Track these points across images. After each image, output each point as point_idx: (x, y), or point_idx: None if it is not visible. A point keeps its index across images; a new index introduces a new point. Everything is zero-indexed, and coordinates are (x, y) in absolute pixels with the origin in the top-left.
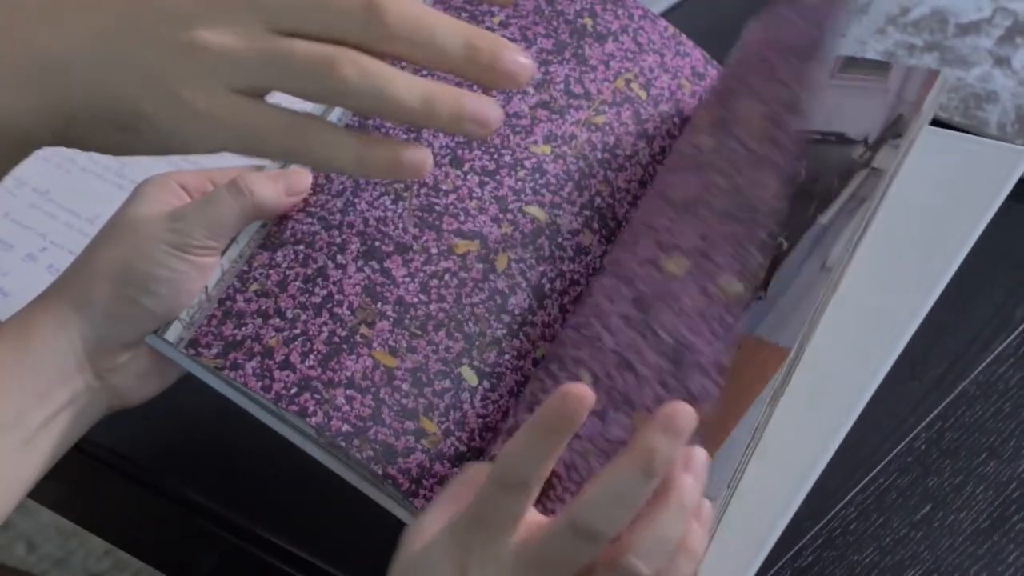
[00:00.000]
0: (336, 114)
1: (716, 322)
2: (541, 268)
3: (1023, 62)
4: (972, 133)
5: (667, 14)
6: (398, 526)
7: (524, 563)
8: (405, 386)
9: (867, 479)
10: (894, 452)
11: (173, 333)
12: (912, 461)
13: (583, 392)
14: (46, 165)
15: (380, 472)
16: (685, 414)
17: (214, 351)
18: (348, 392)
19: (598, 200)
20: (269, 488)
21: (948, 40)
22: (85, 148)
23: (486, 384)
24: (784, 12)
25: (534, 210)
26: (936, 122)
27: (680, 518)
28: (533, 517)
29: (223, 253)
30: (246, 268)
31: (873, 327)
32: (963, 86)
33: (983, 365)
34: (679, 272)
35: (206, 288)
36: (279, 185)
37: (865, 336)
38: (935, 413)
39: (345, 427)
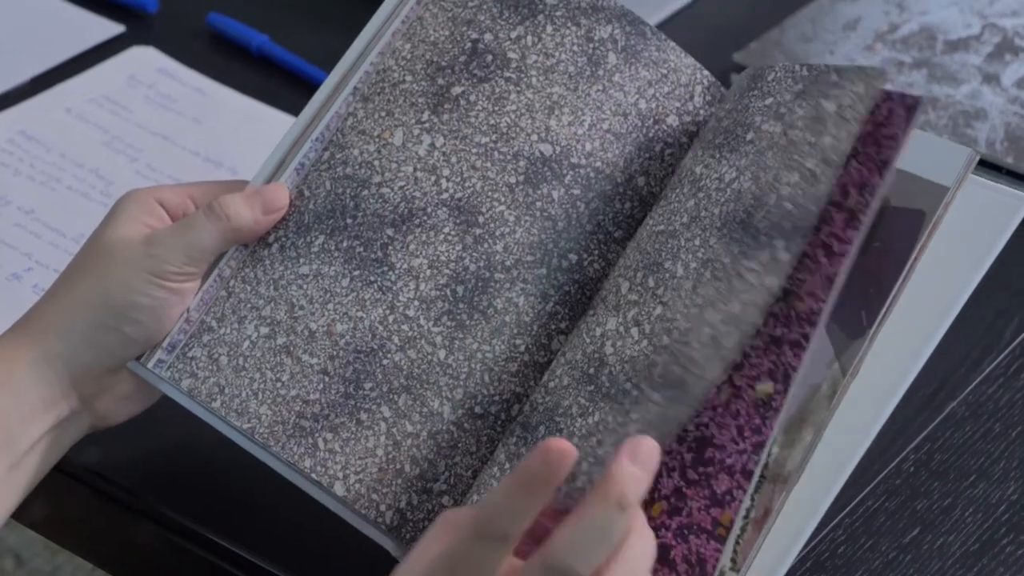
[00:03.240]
0: (318, 131)
1: (744, 422)
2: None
3: (1012, 79)
4: None
5: (673, 18)
6: (379, 548)
7: None
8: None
9: (855, 501)
10: (883, 474)
11: (154, 360)
12: (901, 483)
13: (564, 447)
14: (31, 184)
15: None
16: (649, 446)
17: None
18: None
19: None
20: (248, 506)
21: (937, 57)
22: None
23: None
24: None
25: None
26: None
27: (615, 513)
28: (508, 561)
29: (204, 276)
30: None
31: (878, 371)
32: (952, 103)
33: (972, 386)
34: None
35: (187, 310)
36: (256, 205)
37: (870, 377)
38: (924, 434)
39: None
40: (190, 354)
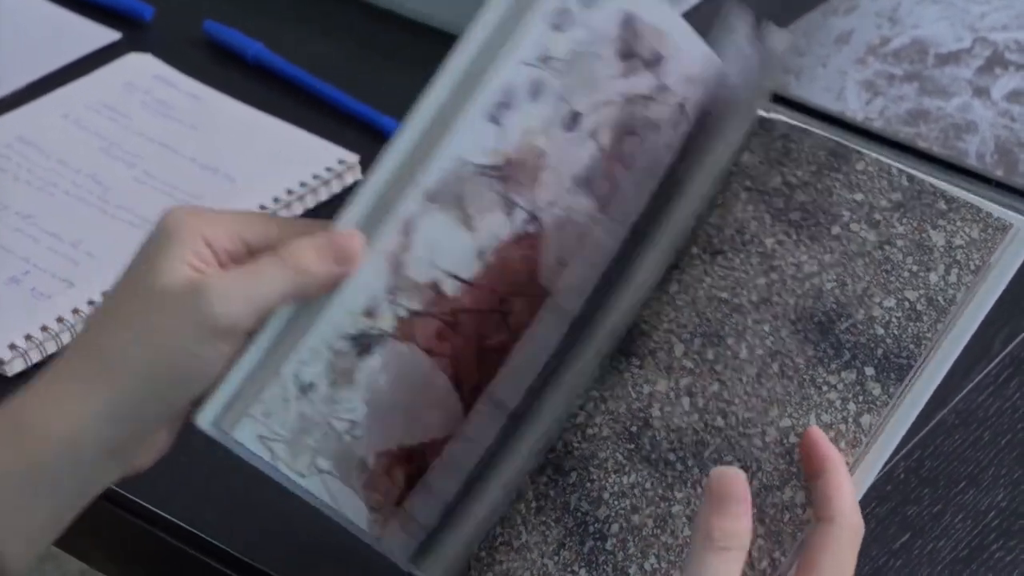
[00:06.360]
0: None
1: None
2: None
3: (1002, 92)
4: (951, 164)
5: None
6: (370, 549)
7: None
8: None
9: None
10: (873, 480)
11: (208, 416)
12: (891, 490)
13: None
14: (29, 189)
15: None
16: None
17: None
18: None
19: None
20: (241, 506)
21: (928, 70)
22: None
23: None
24: None
25: None
26: (916, 152)
27: None
28: None
29: None
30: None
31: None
32: (943, 116)
33: (962, 394)
34: None
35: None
36: (328, 256)
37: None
38: (914, 441)
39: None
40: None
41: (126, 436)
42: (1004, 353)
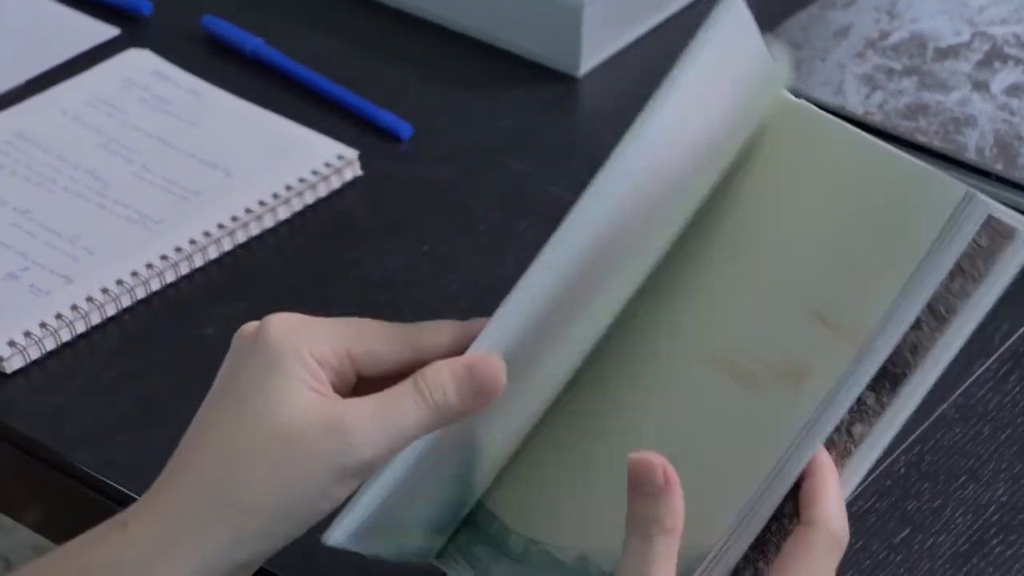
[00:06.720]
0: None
1: None
2: None
3: (1001, 86)
4: (950, 158)
5: (667, 23)
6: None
7: None
8: None
9: (846, 502)
10: (873, 475)
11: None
12: (891, 484)
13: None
14: (27, 184)
15: None
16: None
17: None
18: None
19: None
20: None
21: (927, 64)
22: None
23: None
24: None
25: None
26: (914, 146)
27: None
28: None
29: None
30: None
31: None
32: (942, 110)
33: (962, 388)
34: None
35: None
36: (468, 388)
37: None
38: (914, 436)
39: None
40: None
41: (238, 567)
42: (1004, 347)
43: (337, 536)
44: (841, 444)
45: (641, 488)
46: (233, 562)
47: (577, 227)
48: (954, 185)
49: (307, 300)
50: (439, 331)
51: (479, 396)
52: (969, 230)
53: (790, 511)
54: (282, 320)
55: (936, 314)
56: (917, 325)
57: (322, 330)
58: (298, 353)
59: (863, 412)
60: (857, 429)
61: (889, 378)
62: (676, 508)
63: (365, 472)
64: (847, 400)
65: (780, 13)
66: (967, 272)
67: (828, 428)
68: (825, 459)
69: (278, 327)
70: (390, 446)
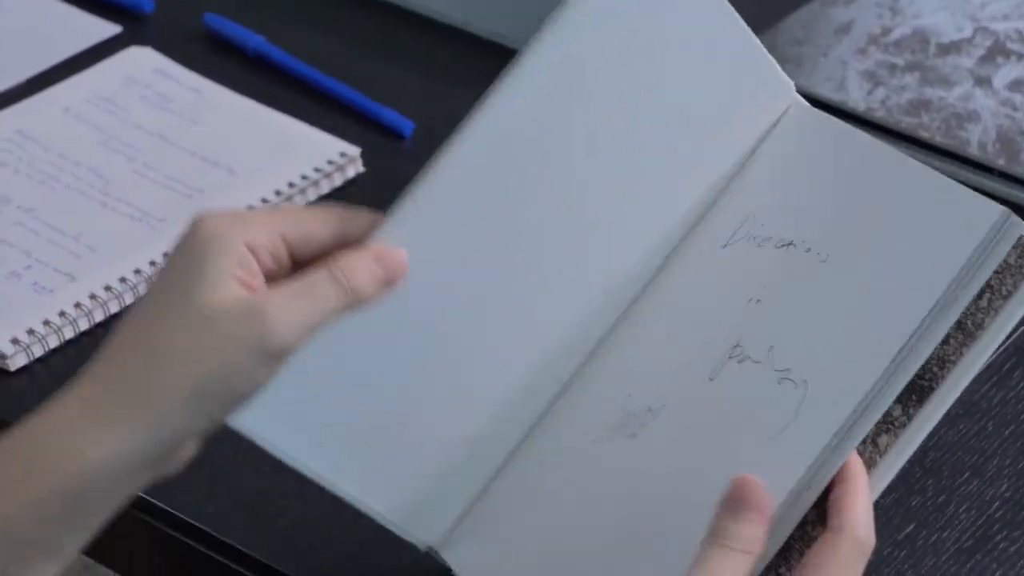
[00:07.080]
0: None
1: None
2: None
3: (1004, 82)
4: (953, 153)
5: None
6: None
7: None
8: None
9: None
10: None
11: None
12: (895, 480)
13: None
14: (30, 183)
15: None
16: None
17: None
18: None
19: None
20: (249, 501)
21: (929, 60)
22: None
23: None
24: None
25: None
26: (917, 142)
27: None
28: None
29: None
30: None
31: None
32: (945, 106)
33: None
34: None
35: None
36: (380, 277)
37: None
38: None
39: None
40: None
41: (165, 451)
42: (1007, 343)
43: (245, 419)
44: (866, 455)
45: (738, 506)
46: (157, 442)
47: (485, 123)
48: (989, 205)
49: None
50: (360, 217)
51: (389, 280)
52: (1003, 249)
53: (813, 518)
54: (210, 216)
55: (964, 329)
56: (945, 340)
57: (256, 218)
58: (224, 244)
59: (889, 423)
60: (883, 440)
61: (916, 391)
62: (762, 534)
63: (284, 354)
64: (876, 413)
65: (782, 9)
66: (995, 288)
67: (857, 440)
68: (856, 465)
69: (205, 222)
70: (305, 331)
